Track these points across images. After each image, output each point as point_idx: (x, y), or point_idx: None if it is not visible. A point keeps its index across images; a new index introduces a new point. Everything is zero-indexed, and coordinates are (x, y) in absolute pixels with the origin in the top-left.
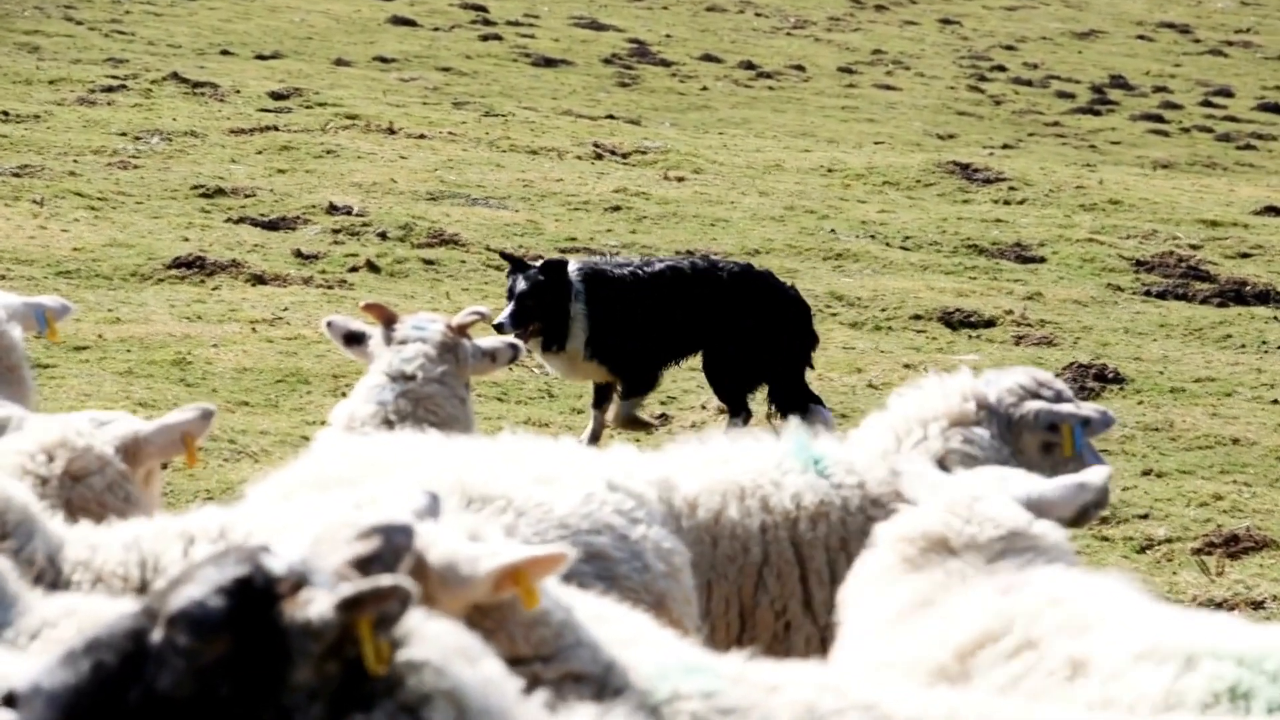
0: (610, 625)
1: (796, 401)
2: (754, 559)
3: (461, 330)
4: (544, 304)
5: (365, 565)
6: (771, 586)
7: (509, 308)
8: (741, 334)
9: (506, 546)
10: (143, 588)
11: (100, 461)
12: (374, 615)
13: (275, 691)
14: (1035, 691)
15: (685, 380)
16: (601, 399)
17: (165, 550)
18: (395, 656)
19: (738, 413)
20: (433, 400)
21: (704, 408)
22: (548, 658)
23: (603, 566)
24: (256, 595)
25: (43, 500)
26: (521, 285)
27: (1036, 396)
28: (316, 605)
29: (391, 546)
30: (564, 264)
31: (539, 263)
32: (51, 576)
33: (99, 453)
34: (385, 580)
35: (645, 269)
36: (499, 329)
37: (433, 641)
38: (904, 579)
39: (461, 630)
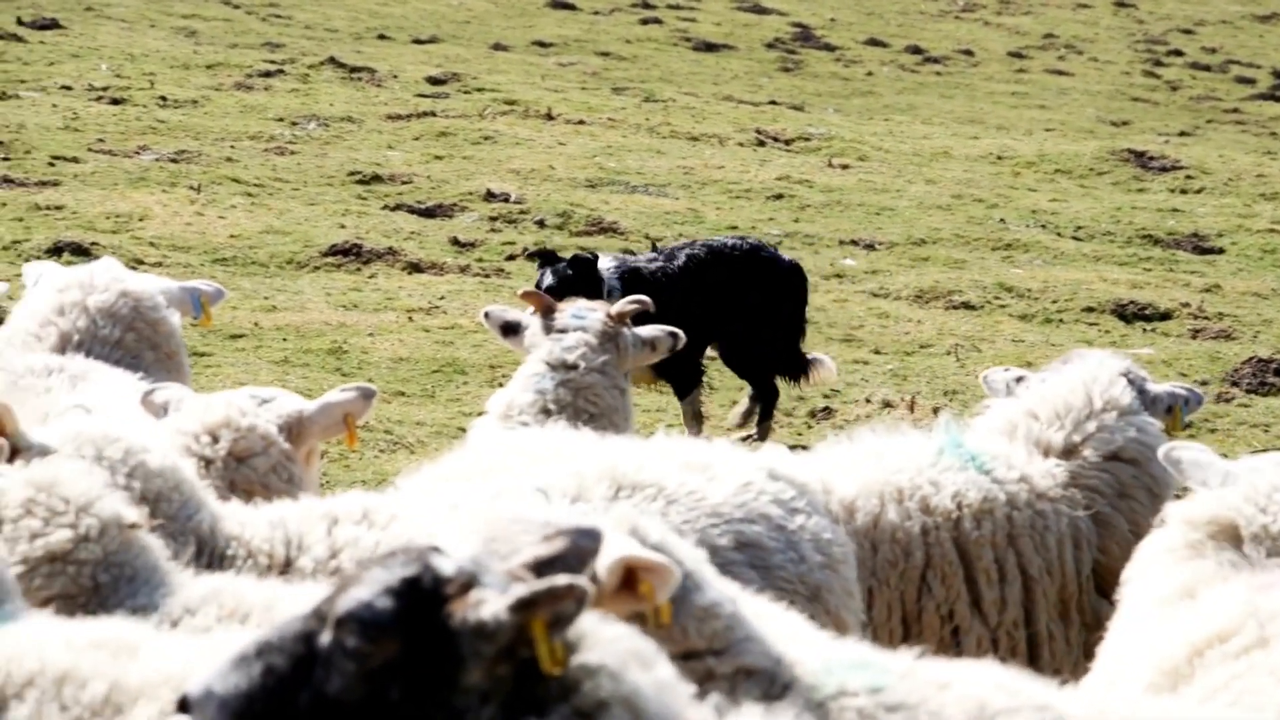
0: (767, 621)
1: (797, 366)
2: (916, 563)
3: (621, 318)
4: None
5: (548, 567)
6: (936, 590)
7: None
8: (746, 312)
9: (622, 542)
10: (286, 565)
11: (265, 442)
12: (548, 616)
13: (446, 694)
14: (1249, 692)
15: (849, 373)
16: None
17: (309, 530)
18: (570, 660)
19: (767, 393)
20: (593, 390)
21: (868, 401)
22: (720, 651)
23: (756, 555)
24: (425, 596)
25: (206, 481)
26: (549, 280)
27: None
28: (489, 606)
29: (577, 550)
30: (594, 259)
31: (569, 257)
32: (211, 547)
33: (263, 432)
34: (560, 580)
35: (672, 262)
36: None
37: (608, 645)
38: (1178, 565)
39: (636, 634)
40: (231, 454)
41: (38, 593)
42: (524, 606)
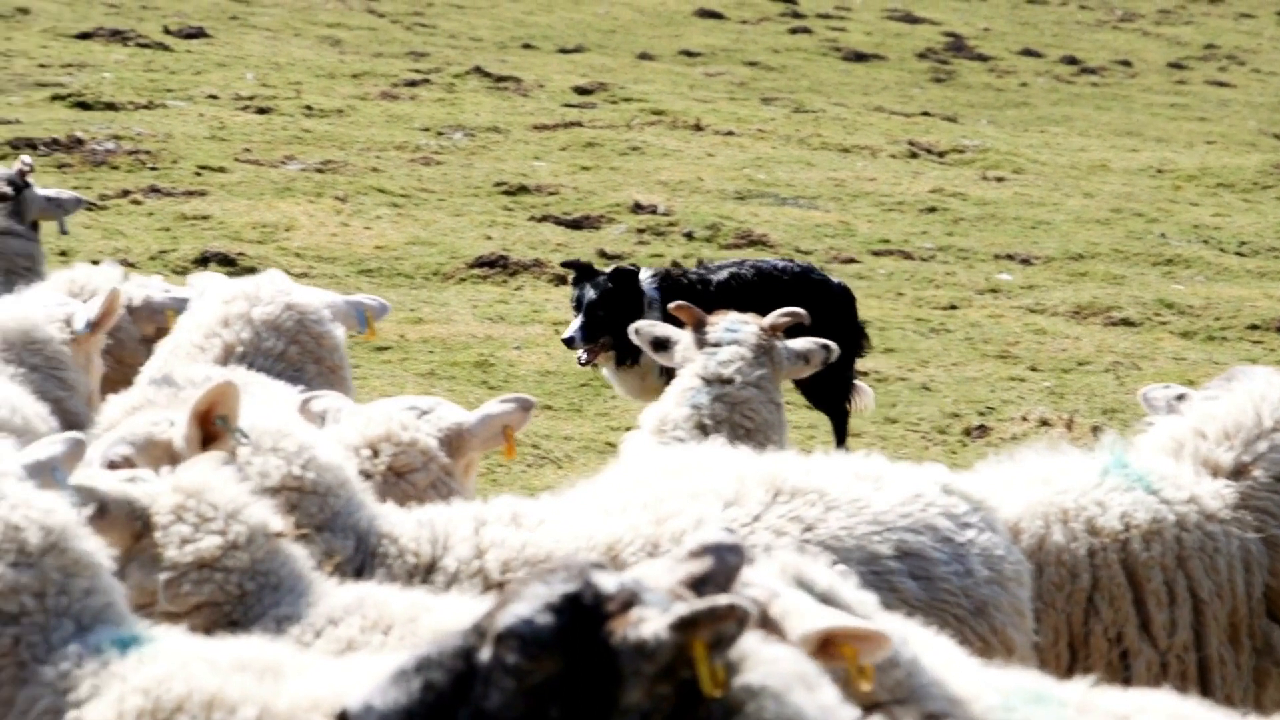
0: (932, 651)
1: (842, 394)
2: (1083, 585)
3: (775, 331)
4: (615, 315)
5: (697, 585)
6: (1104, 612)
7: (578, 320)
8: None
9: (827, 613)
10: (432, 565)
11: (424, 457)
12: (710, 636)
13: (606, 713)
14: None
15: (1004, 390)
16: None
17: (455, 529)
18: (732, 681)
19: (838, 416)
20: (749, 405)
21: (1024, 419)
22: (904, 700)
23: (917, 565)
24: (586, 613)
25: None
26: (591, 295)
27: None
28: (650, 624)
29: (724, 566)
30: (635, 272)
31: (609, 271)
32: (366, 544)
33: (423, 447)
34: (723, 600)
35: (712, 277)
36: (568, 344)
37: (771, 666)
38: None
39: (799, 655)
40: (391, 468)
41: (185, 598)
42: (685, 626)
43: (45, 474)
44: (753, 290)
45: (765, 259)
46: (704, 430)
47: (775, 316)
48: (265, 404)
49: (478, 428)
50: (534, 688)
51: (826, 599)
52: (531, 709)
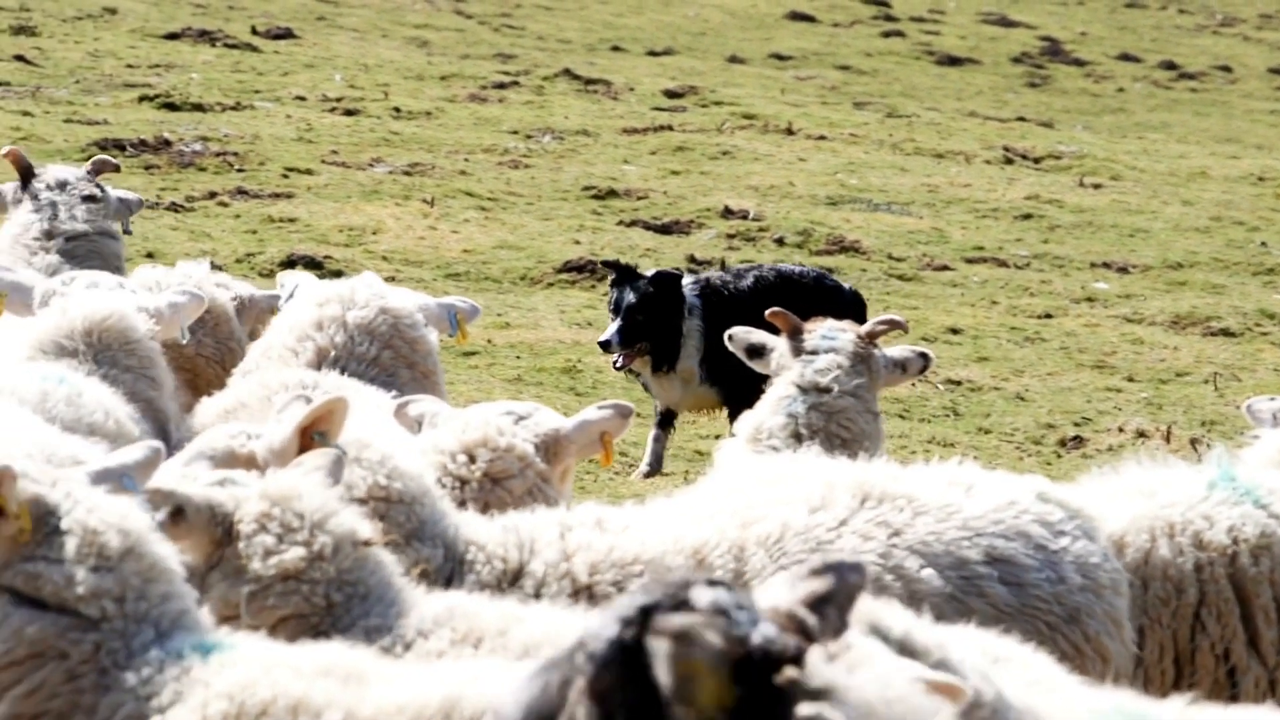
0: (1013, 667)
1: None
2: (1189, 600)
3: (873, 339)
4: (655, 320)
5: (817, 604)
6: (1211, 628)
7: (616, 324)
8: None
9: (901, 665)
10: (520, 570)
11: (522, 462)
12: (701, 654)
13: None
14: None
15: (1100, 400)
16: (667, 421)
17: (541, 534)
18: (814, 711)
19: None
20: (846, 414)
21: (1121, 430)
22: None
23: (1008, 571)
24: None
25: (461, 502)
26: (630, 298)
27: None
28: (659, 639)
29: (845, 586)
30: (678, 276)
31: (650, 274)
32: (454, 553)
33: (521, 452)
34: (790, 640)
35: (740, 281)
36: (604, 347)
37: (856, 692)
38: None
39: (893, 684)
40: (488, 475)
41: (271, 611)
42: (673, 637)
43: (114, 481)
44: (775, 295)
45: (781, 264)
46: (799, 439)
47: (873, 324)
48: (360, 414)
49: (575, 434)
50: (600, 696)
51: (902, 647)
52: (601, 717)
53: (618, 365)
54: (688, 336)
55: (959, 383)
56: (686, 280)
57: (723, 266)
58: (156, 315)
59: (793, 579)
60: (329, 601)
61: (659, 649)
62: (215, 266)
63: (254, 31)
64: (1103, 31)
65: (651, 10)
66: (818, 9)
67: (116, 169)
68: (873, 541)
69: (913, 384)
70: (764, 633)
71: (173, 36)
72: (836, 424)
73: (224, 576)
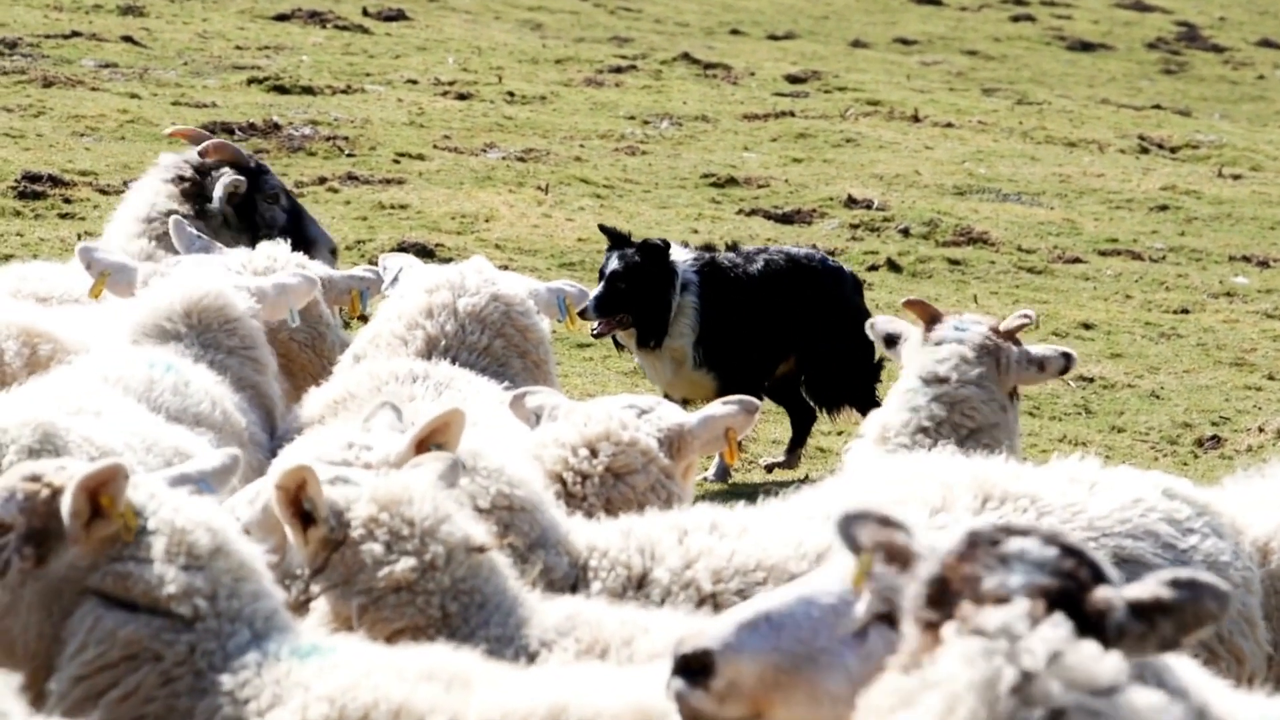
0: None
1: (870, 396)
2: None
3: (1010, 335)
4: (639, 290)
5: (1151, 611)
6: None
7: (597, 289)
8: (831, 329)
9: None
10: (644, 577)
11: (645, 457)
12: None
13: None
14: None
15: (1239, 399)
16: None
17: (660, 540)
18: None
19: (808, 417)
20: (969, 404)
21: (1261, 430)
22: None
23: (1136, 572)
24: None
25: (583, 497)
26: (615, 265)
27: None
28: None
29: (1195, 606)
30: (664, 247)
31: (638, 243)
32: (575, 559)
33: (644, 447)
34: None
35: (750, 265)
36: (582, 314)
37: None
38: None
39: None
40: (610, 469)
41: (386, 624)
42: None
43: (191, 486)
44: (785, 278)
45: (785, 247)
46: (926, 433)
47: (1013, 319)
48: (471, 406)
49: (699, 429)
50: None
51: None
52: None
53: (595, 333)
54: (680, 313)
55: (1091, 380)
56: (687, 255)
57: (732, 247)
58: (259, 295)
59: (1154, 580)
60: (445, 612)
61: None
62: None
63: (365, 13)
64: (1242, 16)
65: None
66: None
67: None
68: None
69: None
70: (1001, 578)
71: (282, 18)
72: (960, 414)
73: (331, 583)
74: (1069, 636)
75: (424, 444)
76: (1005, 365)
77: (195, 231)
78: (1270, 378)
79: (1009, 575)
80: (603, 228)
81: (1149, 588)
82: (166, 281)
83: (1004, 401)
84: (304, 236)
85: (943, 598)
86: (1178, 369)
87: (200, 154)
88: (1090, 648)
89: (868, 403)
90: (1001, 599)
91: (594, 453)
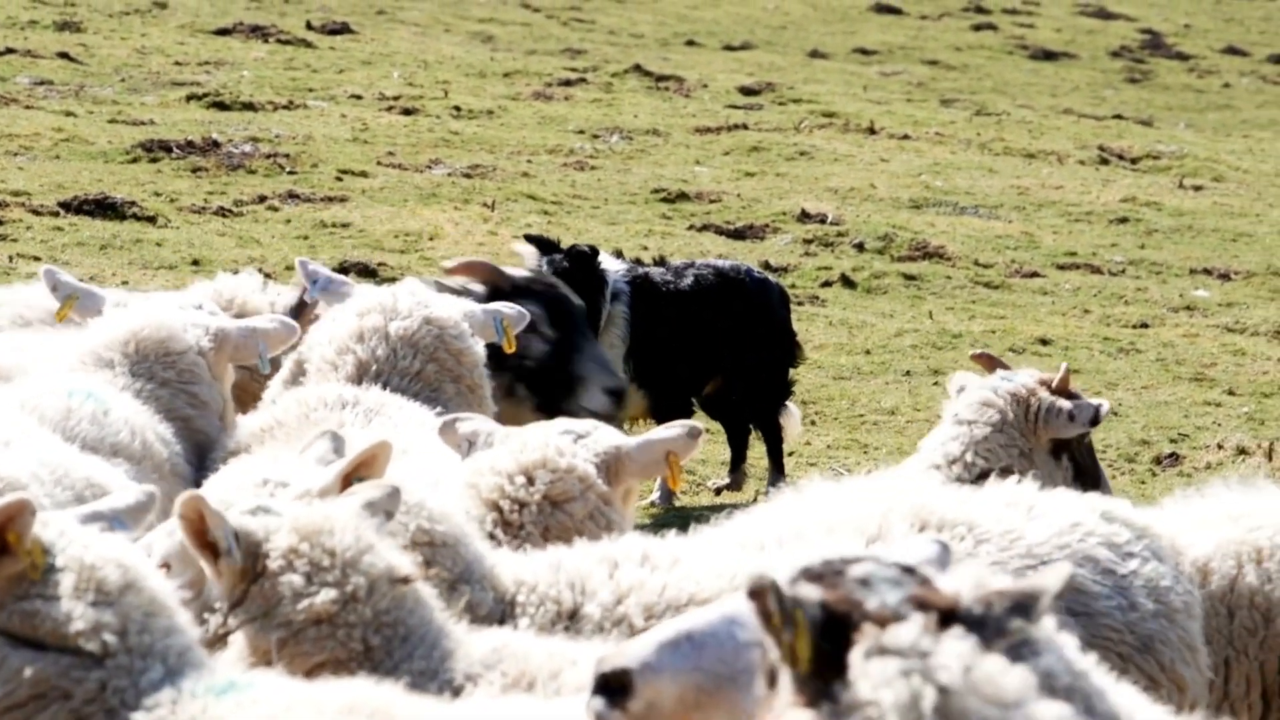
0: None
1: (777, 404)
2: (1278, 630)
3: (1061, 389)
4: None
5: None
6: None
7: None
8: (758, 343)
9: None
10: (575, 612)
11: (583, 484)
12: (765, 611)
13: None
14: None
15: (1199, 415)
16: None
17: (591, 573)
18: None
19: (776, 432)
20: (984, 444)
21: (1220, 447)
22: None
23: (1076, 600)
24: None
25: (520, 525)
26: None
27: None
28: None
29: (1029, 594)
30: (593, 254)
31: (565, 249)
32: (502, 594)
33: (581, 473)
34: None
35: (680, 280)
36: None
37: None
38: None
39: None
40: (548, 497)
41: (306, 658)
42: (751, 595)
43: (104, 524)
44: (714, 293)
45: (718, 261)
46: (938, 469)
47: (1058, 373)
48: (402, 432)
49: (639, 453)
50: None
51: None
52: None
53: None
54: (610, 323)
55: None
56: (619, 266)
57: (660, 261)
58: (218, 335)
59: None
60: (367, 645)
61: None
62: (265, 274)
63: (309, 27)
64: (1207, 23)
65: (729, 3)
66: (905, 1)
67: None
68: None
69: None
70: (881, 598)
71: (224, 32)
72: (974, 453)
73: (250, 616)
74: (975, 649)
75: (349, 479)
76: (1036, 414)
77: (318, 268)
78: (1230, 393)
79: (882, 595)
80: (528, 237)
81: (996, 580)
82: (119, 312)
83: (1024, 447)
84: (568, 373)
85: (836, 624)
86: (1136, 385)
87: (446, 270)
88: (996, 660)
89: (767, 423)
90: (897, 617)
91: (530, 480)
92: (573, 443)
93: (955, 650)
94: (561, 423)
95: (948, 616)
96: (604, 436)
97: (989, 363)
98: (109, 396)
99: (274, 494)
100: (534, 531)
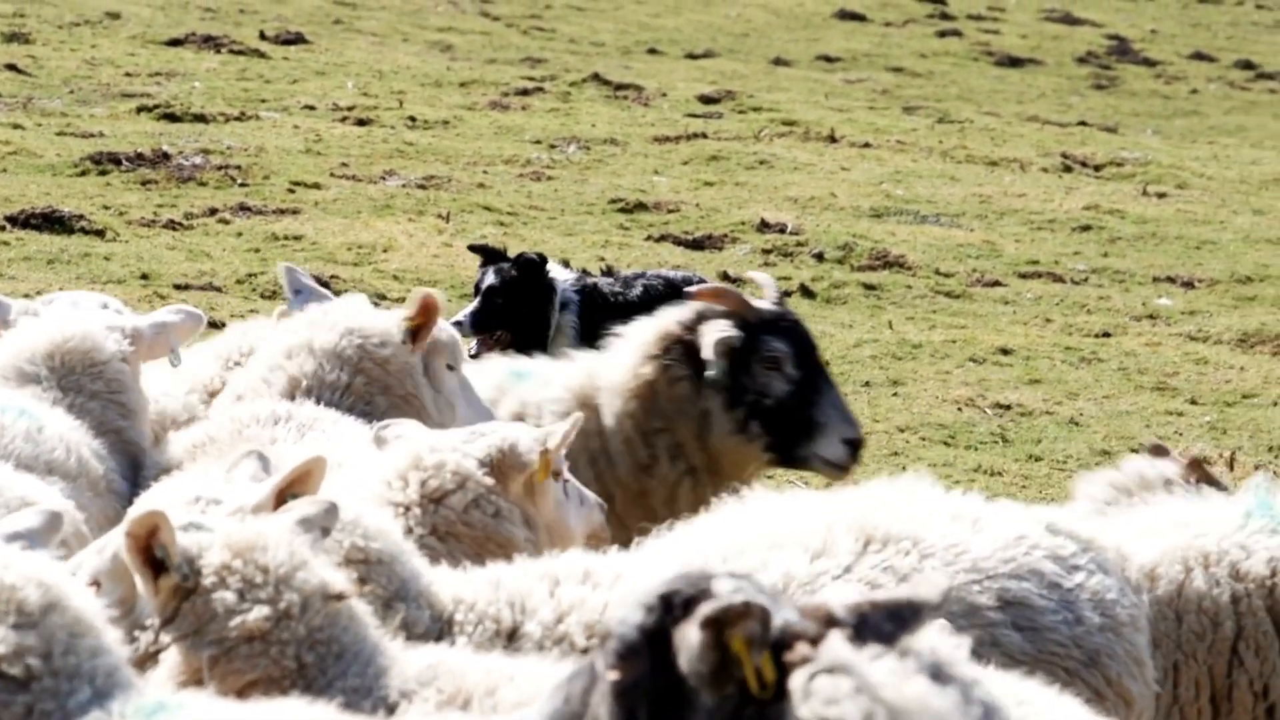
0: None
1: None
2: (1226, 634)
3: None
4: (517, 306)
5: (872, 613)
6: (1249, 663)
7: (472, 305)
8: None
9: None
10: (514, 631)
11: (457, 478)
12: (742, 634)
13: (685, 715)
14: None
15: (1161, 425)
16: None
17: (531, 592)
18: (787, 682)
19: None
20: None
21: (1182, 456)
22: None
23: (1022, 615)
24: (670, 615)
25: (409, 529)
26: (491, 280)
27: None
28: (689, 623)
29: (912, 605)
30: (541, 262)
31: (514, 257)
32: (439, 612)
33: (454, 468)
34: (739, 598)
35: (629, 291)
36: (457, 328)
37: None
38: None
39: (894, 662)
40: (425, 496)
41: (238, 676)
42: (708, 624)
43: (22, 544)
44: (663, 303)
45: (667, 270)
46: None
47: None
48: (335, 447)
49: (523, 446)
50: (623, 690)
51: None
52: (624, 713)
53: (472, 354)
54: (559, 333)
55: (1008, 407)
56: (567, 275)
57: (608, 271)
58: (134, 335)
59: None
60: (300, 662)
61: (689, 635)
62: (214, 289)
63: (263, 37)
64: (1174, 29)
65: (691, 10)
66: (869, 7)
67: None
68: (881, 590)
69: (959, 408)
70: (785, 615)
71: (175, 43)
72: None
73: (181, 633)
74: (900, 664)
75: (283, 495)
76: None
77: (304, 278)
78: (1193, 402)
79: (784, 612)
80: (473, 247)
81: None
82: (34, 322)
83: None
84: (808, 417)
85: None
86: (1098, 394)
87: (688, 294)
88: (920, 676)
89: None
90: (816, 637)
91: (405, 482)
92: (462, 442)
93: (892, 667)
94: (480, 426)
95: (831, 624)
96: (509, 433)
97: (1201, 473)
98: (42, 413)
99: (205, 511)
100: (424, 532)
